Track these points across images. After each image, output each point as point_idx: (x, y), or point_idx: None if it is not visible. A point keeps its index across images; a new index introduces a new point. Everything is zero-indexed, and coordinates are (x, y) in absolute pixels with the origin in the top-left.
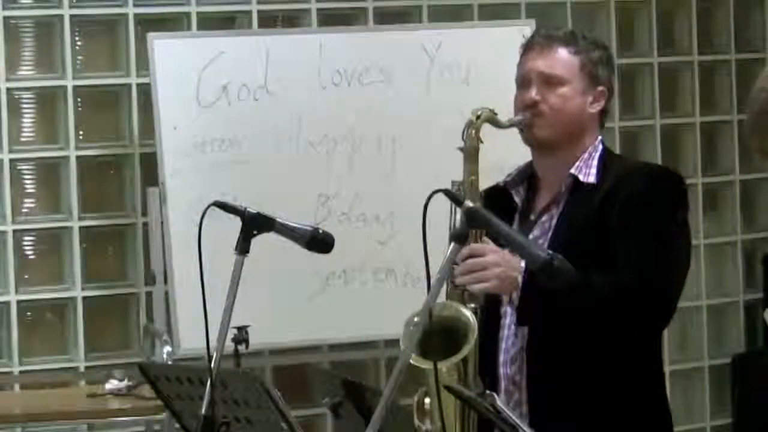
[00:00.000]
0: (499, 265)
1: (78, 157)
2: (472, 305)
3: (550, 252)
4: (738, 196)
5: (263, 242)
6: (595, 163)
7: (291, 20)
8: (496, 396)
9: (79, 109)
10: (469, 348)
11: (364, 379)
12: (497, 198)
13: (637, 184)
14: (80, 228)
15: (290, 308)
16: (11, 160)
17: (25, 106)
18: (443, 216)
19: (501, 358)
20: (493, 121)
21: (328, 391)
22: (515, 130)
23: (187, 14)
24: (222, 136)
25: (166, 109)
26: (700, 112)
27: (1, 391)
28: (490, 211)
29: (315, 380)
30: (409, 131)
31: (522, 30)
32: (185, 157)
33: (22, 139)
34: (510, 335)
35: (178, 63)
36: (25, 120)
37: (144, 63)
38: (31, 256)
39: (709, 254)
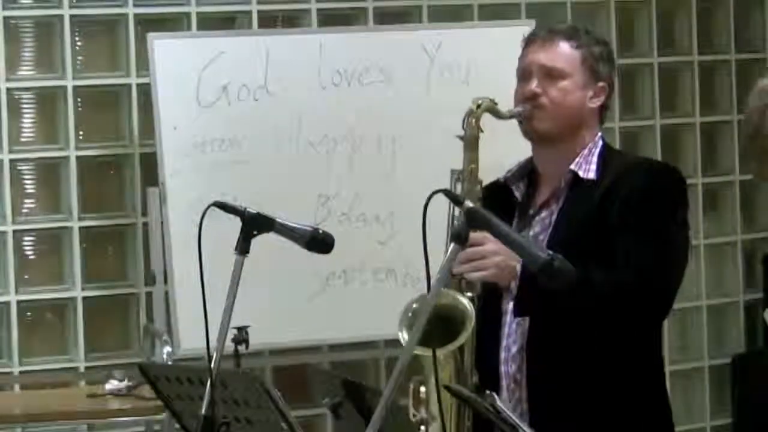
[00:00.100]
0: (498, 254)
1: (78, 157)
2: (470, 294)
3: (551, 252)
4: (738, 196)
5: (263, 242)
6: (594, 159)
7: (291, 20)
8: (496, 396)
9: (79, 109)
10: (466, 335)
11: (364, 379)
12: (497, 194)
13: (636, 180)
14: (80, 228)
15: (290, 308)
16: (11, 160)
17: (25, 106)
18: (443, 216)
19: (502, 356)
20: (494, 110)
21: (328, 391)
22: (515, 127)
23: (187, 14)
24: (222, 136)
25: (166, 109)
26: (700, 112)
27: (1, 391)
28: (491, 207)
29: (315, 380)
30: (409, 131)
31: (522, 30)
32: (185, 157)
33: (22, 139)
34: (511, 333)
35: (178, 63)
36: (25, 120)
37: (144, 63)
38: (31, 256)
39: (709, 254)
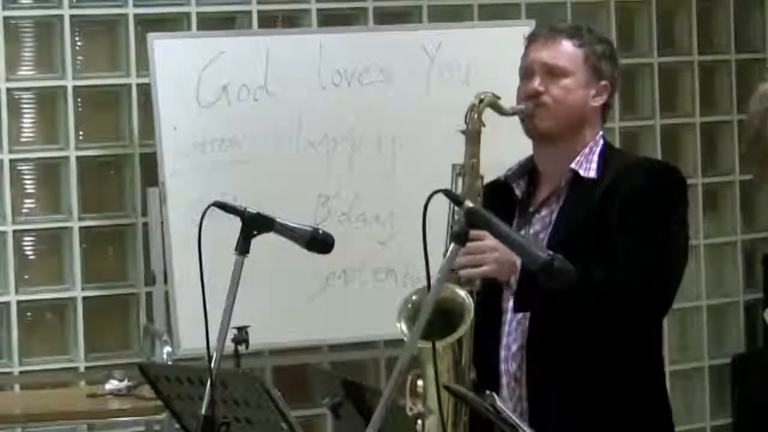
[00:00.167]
0: (497, 249)
1: (78, 157)
2: (468, 288)
3: (551, 252)
4: (738, 196)
5: (263, 242)
6: (595, 158)
7: (291, 20)
8: (495, 396)
9: (79, 109)
10: (465, 328)
11: (364, 379)
12: (498, 192)
13: (637, 179)
14: (80, 228)
15: (290, 308)
16: (11, 160)
17: (25, 106)
18: (443, 216)
19: (502, 354)
20: (496, 106)
21: (328, 391)
22: (516, 126)
23: (187, 14)
24: (222, 136)
25: (166, 109)
26: (700, 112)
27: (1, 391)
28: (491, 205)
29: (315, 380)
30: (409, 131)
31: (522, 30)
32: (185, 157)
33: (22, 139)
34: (511, 331)
35: (178, 63)
36: (25, 120)
37: (144, 63)
38: (31, 256)
39: (709, 254)
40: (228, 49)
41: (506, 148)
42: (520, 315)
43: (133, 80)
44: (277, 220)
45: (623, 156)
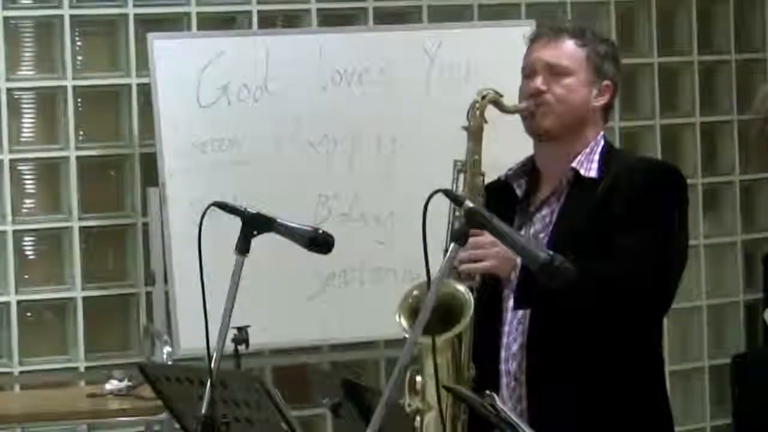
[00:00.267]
0: (497, 244)
1: (78, 157)
2: (468, 284)
3: (550, 252)
4: (738, 196)
5: (263, 242)
6: (596, 157)
7: (291, 20)
8: (495, 396)
9: (79, 109)
10: (465, 323)
11: (364, 379)
12: (499, 192)
13: (637, 179)
14: (80, 228)
15: (290, 308)
16: (11, 160)
17: (25, 106)
18: (443, 216)
19: (502, 354)
20: (498, 103)
21: (328, 391)
22: (516, 125)
23: (187, 14)
24: (222, 136)
25: (166, 109)
26: (700, 112)
27: (1, 391)
28: (492, 205)
29: (315, 380)
30: (409, 131)
31: (522, 30)
32: (185, 157)
33: (22, 139)
34: (511, 331)
35: (178, 63)
36: (25, 120)
37: (144, 63)
38: (31, 256)
39: (709, 254)
40: (228, 49)
41: (506, 147)
42: (520, 314)
43: (133, 80)
44: (277, 219)
45: (624, 156)
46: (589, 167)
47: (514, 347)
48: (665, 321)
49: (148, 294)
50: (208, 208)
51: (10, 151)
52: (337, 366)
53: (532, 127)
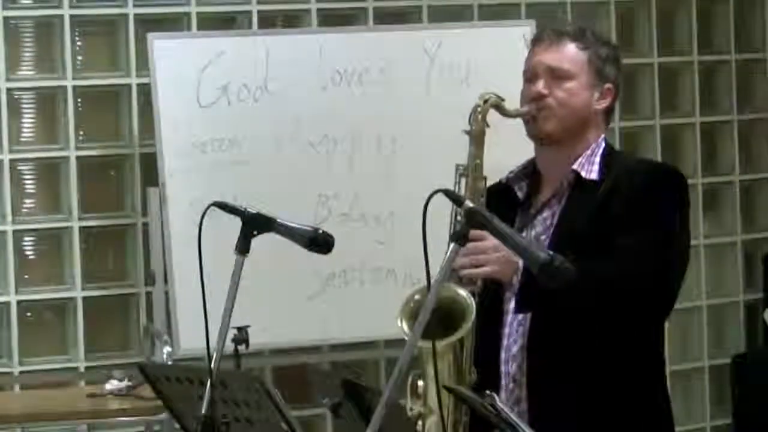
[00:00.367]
0: (498, 249)
1: (78, 157)
2: (470, 288)
3: (551, 252)
4: (738, 196)
5: (263, 242)
6: (597, 159)
7: (291, 20)
8: (495, 396)
9: (79, 109)
10: (467, 328)
11: (362, 377)
12: (500, 194)
13: (638, 181)
14: (80, 228)
15: (290, 308)
16: (11, 160)
17: (25, 106)
18: (443, 216)
19: (502, 355)
20: (500, 107)
21: (328, 391)
22: (517, 128)
23: (187, 14)
24: (222, 136)
25: (166, 109)
26: (700, 112)
27: (1, 391)
28: (493, 207)
29: (315, 380)
30: (409, 131)
31: (522, 30)
32: (185, 157)
33: (22, 139)
34: (512, 332)
35: (178, 63)
36: (25, 120)
37: (144, 63)
38: (31, 256)
39: (709, 254)
40: (228, 49)
41: (507, 150)
42: (521, 316)
43: (133, 80)
44: (277, 219)
45: (625, 158)
46: (590, 169)
47: (514, 349)
48: (665, 321)
49: (148, 294)
50: (208, 208)
51: (10, 151)
52: (337, 366)
53: (533, 131)
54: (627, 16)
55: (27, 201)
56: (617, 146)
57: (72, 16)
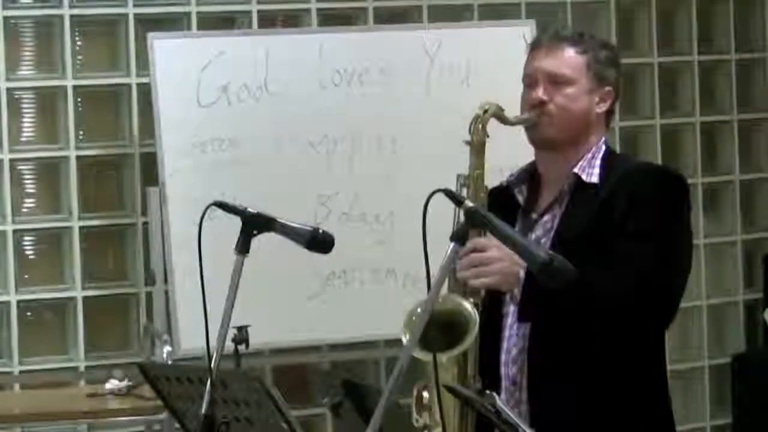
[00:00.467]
0: (501, 260)
1: (78, 157)
2: (473, 299)
3: (551, 252)
4: (738, 196)
5: (263, 242)
6: (598, 162)
7: (291, 20)
8: (496, 396)
9: (79, 109)
10: (470, 341)
11: (364, 379)
12: (501, 197)
13: (638, 184)
14: (80, 228)
15: (290, 308)
16: (11, 160)
17: (25, 106)
18: (443, 216)
19: (502, 358)
20: (500, 117)
21: (328, 391)
22: (517, 132)
23: (187, 14)
24: (222, 136)
25: (166, 109)
26: (700, 112)
27: (1, 391)
28: (494, 210)
29: (315, 380)
30: (409, 131)
31: (522, 30)
32: (185, 157)
33: (22, 139)
34: (512, 335)
35: (178, 63)
36: (25, 120)
37: (144, 63)
38: (31, 256)
39: (709, 254)
40: (228, 49)
41: (507, 153)
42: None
43: (133, 80)
44: (277, 219)
45: (625, 161)
46: (590, 173)
47: (515, 351)
48: None
49: (148, 294)
50: (208, 207)
51: (10, 151)
52: (337, 366)
53: (534, 138)
54: (627, 16)
55: (27, 201)
56: (617, 146)
57: (72, 16)
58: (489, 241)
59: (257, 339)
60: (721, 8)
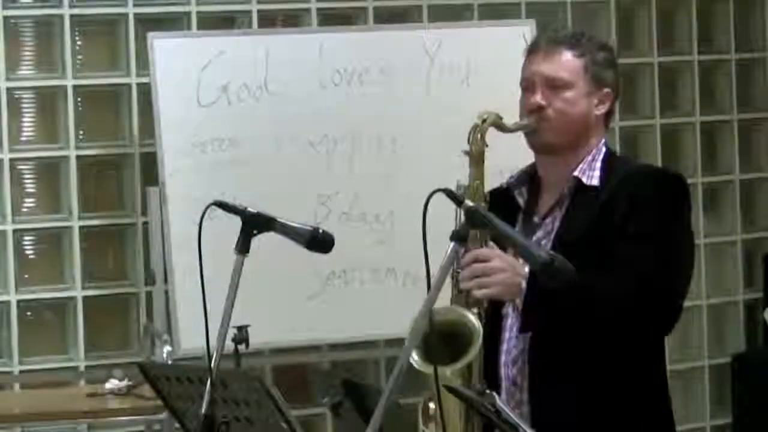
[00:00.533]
0: (504, 270)
1: (78, 157)
2: (476, 310)
3: (551, 252)
4: (738, 196)
5: (263, 242)
6: (598, 165)
7: (291, 20)
8: (496, 396)
9: (79, 109)
10: (474, 353)
11: (364, 379)
12: (501, 199)
13: (639, 186)
14: (80, 228)
15: (290, 308)
16: (11, 160)
17: (25, 106)
18: (443, 216)
19: (502, 358)
20: (499, 125)
21: (328, 391)
22: (517, 134)
23: (187, 14)
24: (222, 136)
25: (166, 109)
26: (700, 112)
27: (1, 391)
28: (494, 211)
29: (315, 380)
30: (409, 131)
31: (522, 30)
32: (185, 157)
33: (22, 139)
34: (512, 337)
35: (178, 63)
36: (25, 120)
37: (144, 63)
38: (31, 256)
39: (709, 254)
40: (228, 49)
41: (507, 154)
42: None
43: (133, 80)
44: (277, 219)
45: (626, 163)
46: (591, 175)
47: (515, 352)
48: None
49: (148, 294)
50: (208, 207)
51: (10, 151)
52: (337, 366)
53: (534, 143)
54: (627, 16)
55: (27, 201)
56: (617, 146)
57: (72, 16)
58: (491, 251)
59: (257, 339)
60: (721, 8)
